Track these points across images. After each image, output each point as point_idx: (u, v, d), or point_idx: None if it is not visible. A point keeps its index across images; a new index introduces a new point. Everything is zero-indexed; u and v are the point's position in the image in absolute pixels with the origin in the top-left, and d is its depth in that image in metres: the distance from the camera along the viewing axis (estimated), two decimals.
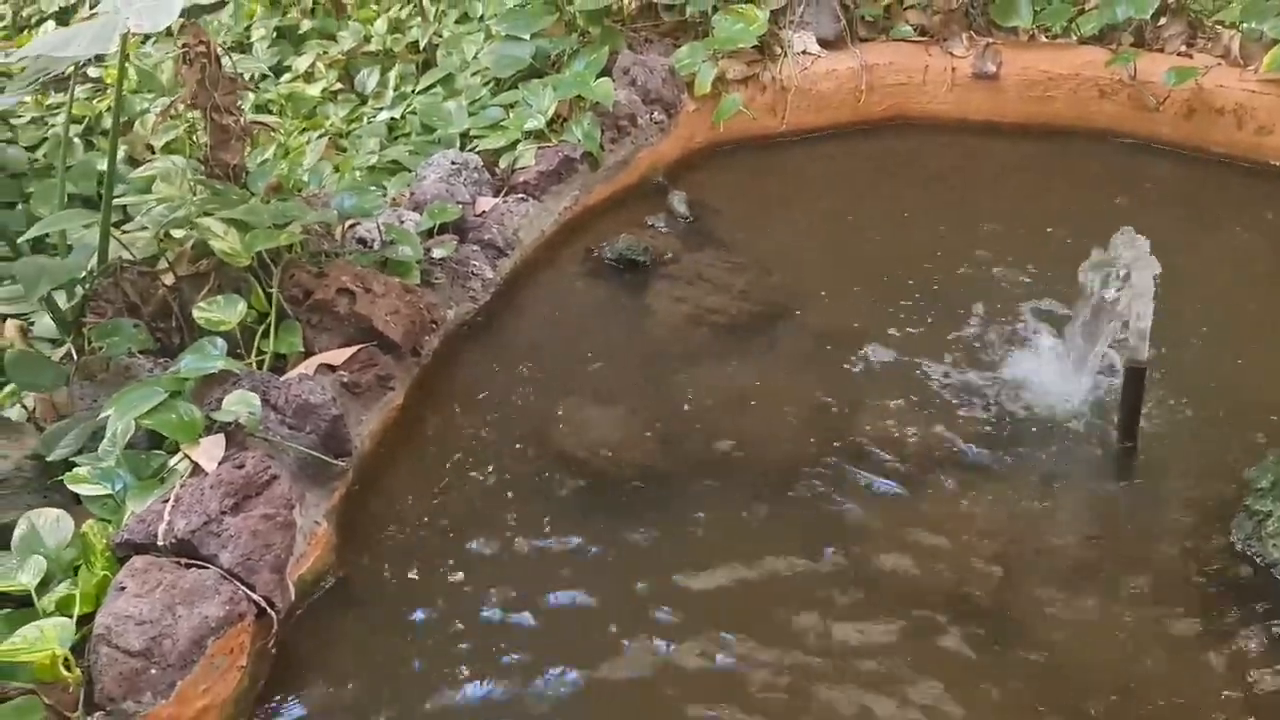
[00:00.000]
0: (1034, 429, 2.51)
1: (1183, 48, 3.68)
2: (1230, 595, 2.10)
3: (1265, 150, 3.45)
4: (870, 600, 2.14)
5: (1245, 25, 3.55)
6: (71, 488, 2.06)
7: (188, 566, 1.92)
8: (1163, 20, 3.72)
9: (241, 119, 2.84)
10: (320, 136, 3.77)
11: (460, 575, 2.24)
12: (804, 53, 3.78)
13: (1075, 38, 3.77)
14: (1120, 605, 2.10)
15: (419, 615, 2.15)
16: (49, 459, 2.20)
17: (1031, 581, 2.17)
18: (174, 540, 1.93)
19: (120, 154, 3.60)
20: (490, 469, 2.49)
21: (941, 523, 2.29)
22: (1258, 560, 2.13)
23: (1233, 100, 3.47)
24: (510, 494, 2.43)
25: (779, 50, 3.77)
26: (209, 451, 2.09)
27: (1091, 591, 2.14)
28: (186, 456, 2.11)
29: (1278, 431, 2.41)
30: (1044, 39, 3.81)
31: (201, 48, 2.73)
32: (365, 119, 3.94)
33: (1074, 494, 2.36)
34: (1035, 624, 2.08)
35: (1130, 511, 2.32)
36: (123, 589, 1.85)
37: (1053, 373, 2.63)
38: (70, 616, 1.83)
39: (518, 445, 2.55)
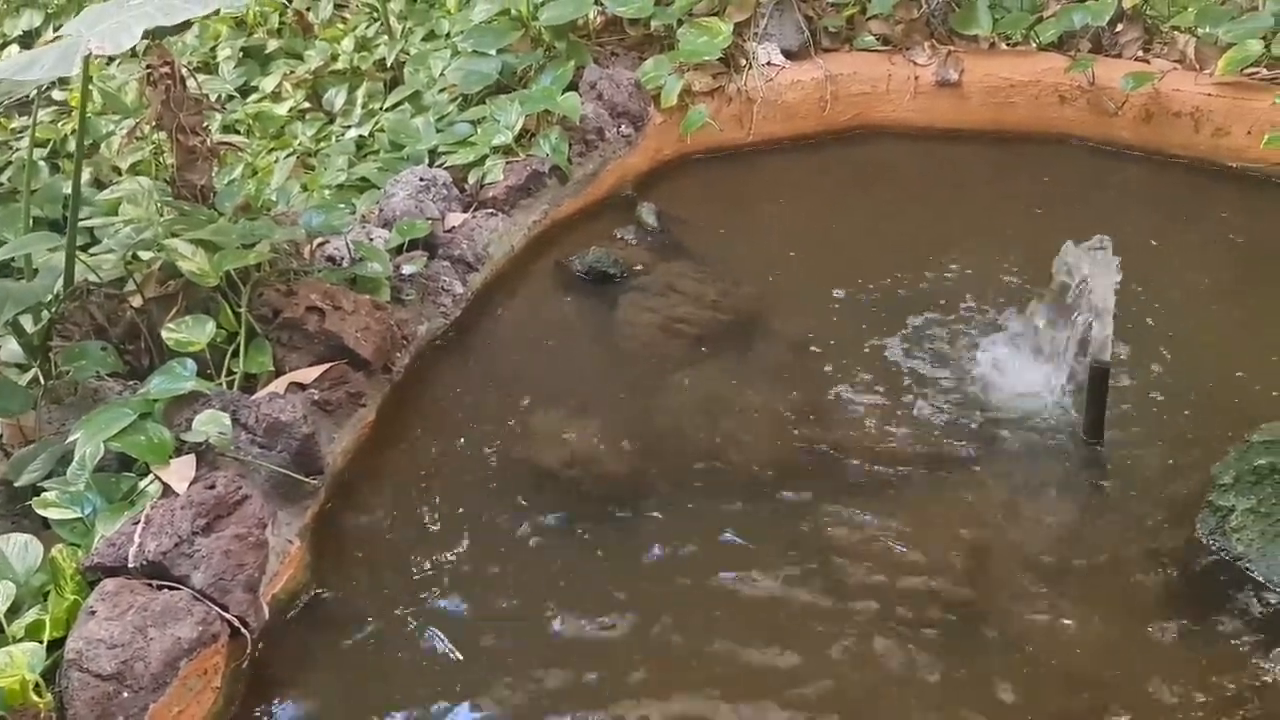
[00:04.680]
0: (1004, 431, 2.54)
1: (1140, 53, 3.75)
2: (1196, 589, 2.14)
3: (1222, 152, 3.51)
4: (845, 604, 2.15)
5: (1200, 29, 3.62)
6: (40, 512, 2.05)
7: (159, 588, 1.91)
8: (1119, 26, 3.79)
9: (208, 139, 2.84)
10: (288, 155, 3.75)
11: (435, 592, 2.23)
12: (769, 64, 3.81)
13: (1035, 45, 3.83)
14: (1089, 601, 2.13)
15: (395, 632, 2.15)
16: (17, 484, 2.18)
17: (1002, 581, 2.20)
18: (145, 562, 1.92)
19: (86, 176, 3.58)
20: (464, 484, 2.49)
21: (915, 526, 2.32)
22: (1222, 554, 2.17)
23: (1189, 104, 3.54)
24: (485, 509, 2.42)
25: (744, 62, 3.80)
26: (179, 472, 2.09)
27: (1061, 589, 2.17)
28: (157, 478, 2.10)
29: (1241, 428, 2.44)
30: (1004, 46, 3.87)
31: (166, 69, 2.73)
32: (333, 137, 3.92)
33: (1043, 494, 2.39)
34: (1006, 622, 2.10)
35: (1098, 510, 2.35)
36: (93, 613, 1.84)
37: (1021, 375, 2.66)
38: (40, 641, 1.82)
39: (491, 460, 2.56)
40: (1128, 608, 2.12)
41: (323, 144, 3.92)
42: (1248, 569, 2.13)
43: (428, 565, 2.29)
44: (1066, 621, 2.09)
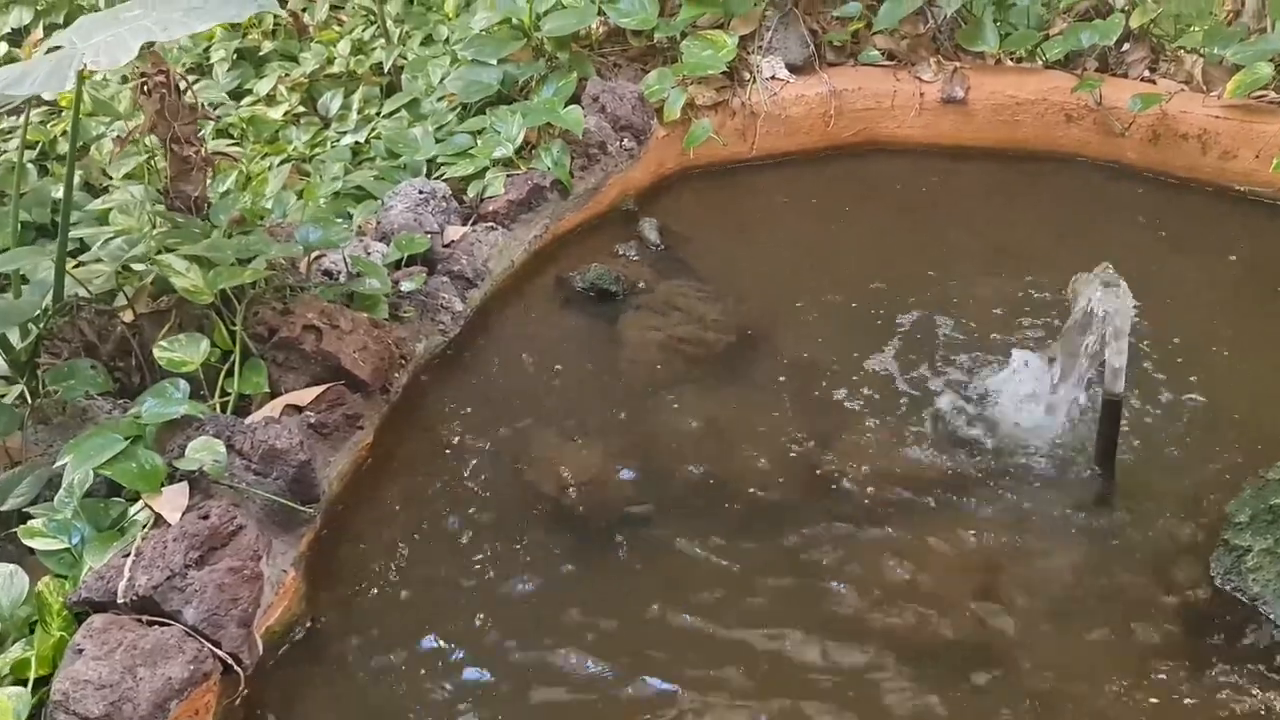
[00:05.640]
0: (1011, 461, 2.50)
1: (1146, 73, 3.72)
2: (1210, 630, 2.09)
3: (1229, 175, 3.48)
4: (848, 638, 2.11)
5: (1207, 50, 3.59)
6: (26, 542, 1.98)
7: (150, 624, 1.85)
8: (1126, 46, 3.76)
9: (202, 149, 2.77)
10: (283, 162, 3.68)
11: (433, 622, 2.18)
12: (773, 78, 3.76)
13: (1041, 62, 3.79)
14: (1100, 641, 2.09)
15: (391, 665, 2.09)
16: (2, 509, 2.11)
17: (1010, 617, 2.15)
18: (135, 597, 1.85)
19: (75, 180, 3.50)
20: (462, 509, 2.44)
21: (919, 557, 2.27)
22: (1238, 595, 2.13)
23: (1197, 126, 3.50)
24: (483, 535, 2.37)
25: (748, 76, 3.75)
26: (172, 501, 2.02)
27: (1070, 627, 2.13)
28: (148, 506, 2.03)
29: (1256, 462, 2.41)
30: (1010, 63, 3.83)
31: (161, 77, 2.66)
32: (329, 143, 3.85)
33: (1051, 527, 2.35)
34: (1013, 661, 2.06)
35: (1108, 545, 2.31)
36: (80, 651, 1.77)
37: (1029, 403, 2.62)
38: (26, 682, 1.75)
39: (490, 483, 2.50)
40: (1139, 649, 2.08)
41: (317, 150, 3.85)
42: (1264, 611, 2.09)
43: (425, 593, 2.24)
44: (1076, 661, 2.05)
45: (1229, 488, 2.32)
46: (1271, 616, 2.08)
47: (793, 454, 2.55)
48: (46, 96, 4.06)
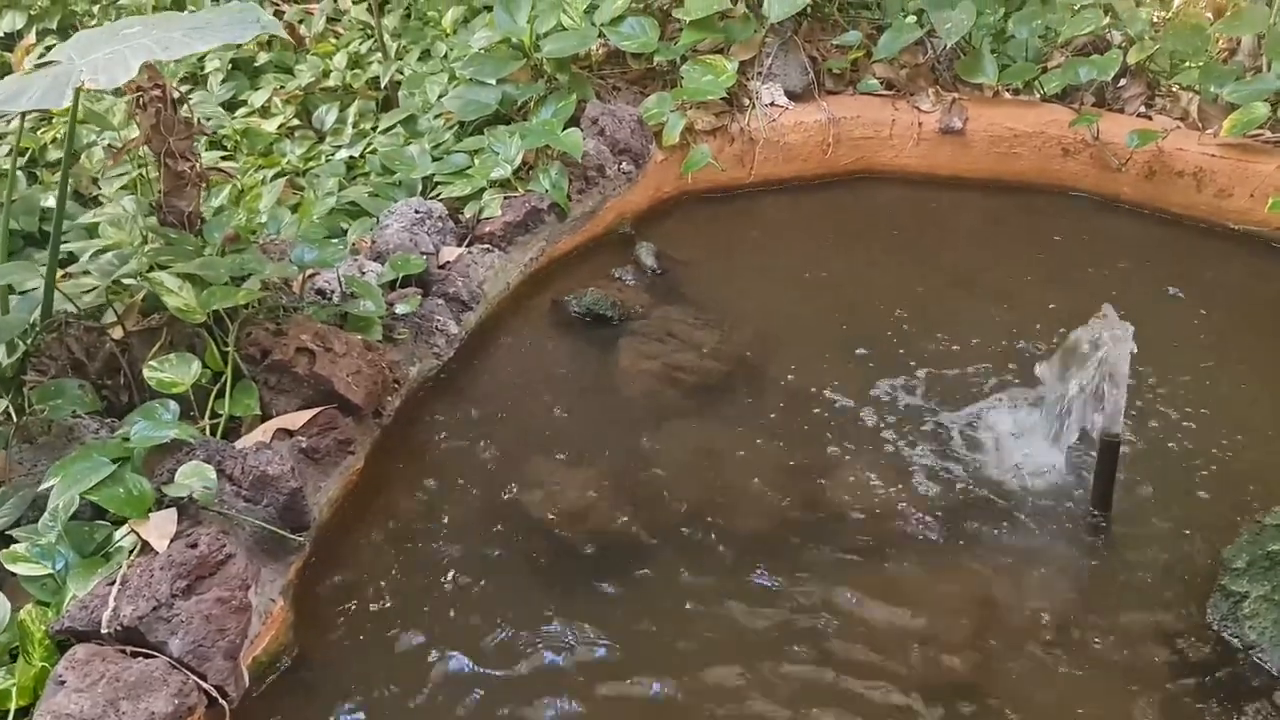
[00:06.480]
0: (1008, 500, 2.48)
1: (1142, 108, 3.73)
2: (1207, 678, 2.08)
3: (1224, 213, 3.49)
4: (842, 675, 2.08)
5: (1204, 88, 3.60)
6: (8, 566, 1.93)
7: (134, 655, 1.80)
8: (1123, 81, 3.78)
9: (197, 164, 2.73)
10: (276, 176, 3.65)
11: (422, 652, 2.14)
12: (772, 104, 3.76)
13: (1038, 95, 3.80)
14: (1095, 685, 2.08)
15: (379, 697, 2.05)
16: None
17: (1005, 659, 2.13)
18: (119, 627, 1.81)
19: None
20: (454, 537, 2.40)
21: (913, 595, 2.25)
22: (1234, 641, 2.12)
23: (1192, 163, 3.52)
24: (475, 564, 2.34)
25: (747, 102, 3.75)
26: (160, 528, 1.97)
27: (1065, 670, 2.11)
28: (134, 532, 1.99)
29: (1251, 498, 2.40)
30: (1008, 96, 3.84)
31: (157, 91, 2.62)
32: (324, 157, 3.83)
33: (1048, 568, 2.33)
34: (1008, 704, 2.04)
35: (1105, 588, 2.29)
36: (62, 682, 1.73)
37: (1027, 441, 2.61)
38: (6, 714, 1.70)
39: (483, 511, 2.47)
40: (1134, 694, 2.06)
41: (312, 164, 3.82)
42: (1260, 659, 2.08)
43: (415, 623, 2.20)
44: (1070, 706, 2.03)
45: (1225, 532, 2.31)
46: (1267, 665, 2.06)
47: (787, 486, 2.53)
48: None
